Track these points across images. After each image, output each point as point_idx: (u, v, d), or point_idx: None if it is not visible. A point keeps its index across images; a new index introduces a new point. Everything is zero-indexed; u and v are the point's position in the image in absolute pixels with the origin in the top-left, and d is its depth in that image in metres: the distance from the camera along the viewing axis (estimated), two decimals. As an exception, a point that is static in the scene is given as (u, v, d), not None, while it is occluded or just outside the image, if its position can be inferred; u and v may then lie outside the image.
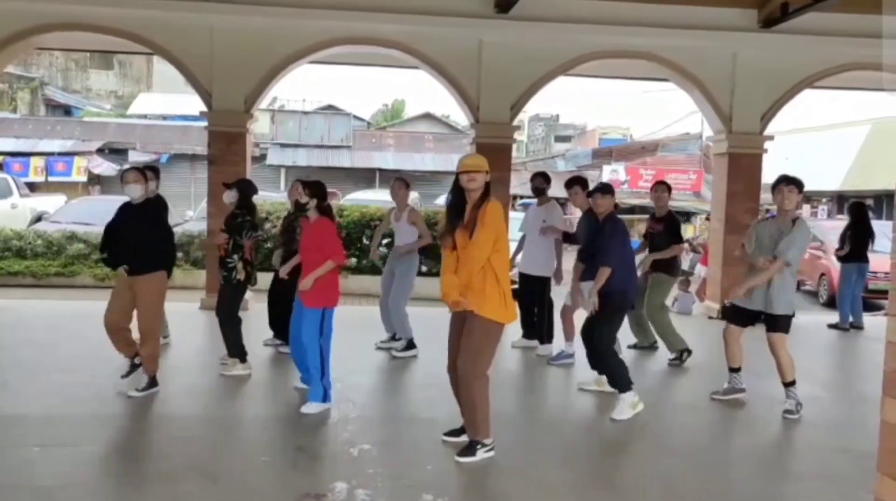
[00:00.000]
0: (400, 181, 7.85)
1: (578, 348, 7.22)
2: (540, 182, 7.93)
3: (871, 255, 10.19)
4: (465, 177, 4.70)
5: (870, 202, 11.40)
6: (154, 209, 6.17)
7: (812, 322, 11.30)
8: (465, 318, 4.73)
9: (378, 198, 16.58)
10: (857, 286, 10.19)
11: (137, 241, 5.89)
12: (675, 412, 6.30)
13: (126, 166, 6.34)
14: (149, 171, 6.48)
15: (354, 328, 8.44)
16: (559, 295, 7.73)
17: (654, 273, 7.72)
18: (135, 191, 5.91)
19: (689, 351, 7.65)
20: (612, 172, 29.95)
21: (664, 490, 4.48)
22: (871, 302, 10.46)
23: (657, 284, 7.76)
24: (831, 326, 10.14)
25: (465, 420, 4.92)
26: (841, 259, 10.30)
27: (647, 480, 4.65)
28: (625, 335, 7.34)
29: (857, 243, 10.08)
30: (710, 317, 10.44)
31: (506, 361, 7.71)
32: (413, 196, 12.21)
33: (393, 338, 7.80)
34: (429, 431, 5.35)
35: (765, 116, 10.49)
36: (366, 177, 27.89)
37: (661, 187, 8.03)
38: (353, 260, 12.43)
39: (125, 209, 6.10)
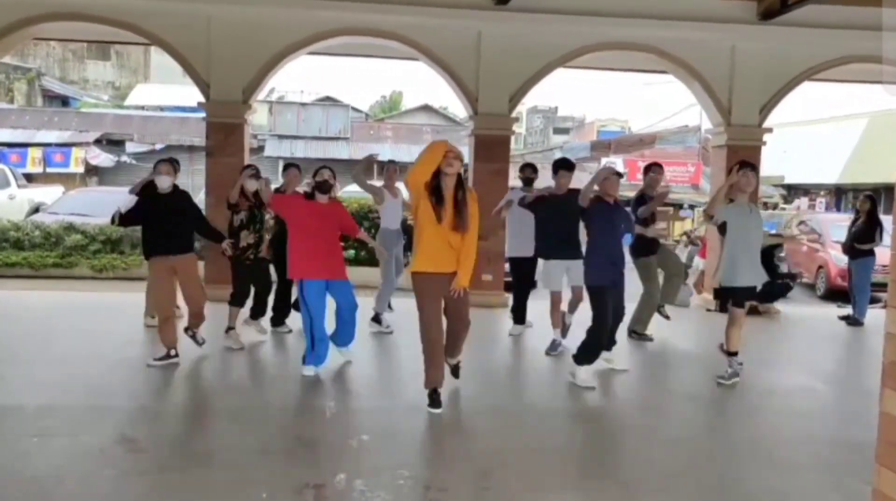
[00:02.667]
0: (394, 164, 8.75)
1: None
2: (530, 172, 8.26)
3: (876, 249, 10.12)
4: (447, 160, 5.18)
5: (869, 194, 11.28)
6: (183, 195, 6.79)
7: (812, 314, 11.32)
8: (446, 282, 5.37)
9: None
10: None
11: (179, 224, 6.59)
12: (671, 402, 6.31)
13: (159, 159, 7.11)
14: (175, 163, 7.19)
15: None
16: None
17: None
18: (165, 183, 6.56)
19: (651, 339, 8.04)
20: (610, 164, 29.92)
21: (661, 481, 4.49)
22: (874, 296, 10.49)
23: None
24: (843, 318, 10.11)
25: (453, 350, 5.77)
26: (861, 253, 10.05)
27: (644, 470, 4.66)
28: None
29: (872, 236, 9.99)
30: (708, 310, 10.45)
31: (501, 351, 7.72)
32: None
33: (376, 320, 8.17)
34: (428, 422, 5.36)
35: (764, 109, 10.48)
36: (363, 168, 27.81)
37: (657, 169, 8.19)
38: (352, 252, 12.42)
39: (157, 198, 6.63)
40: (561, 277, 7.29)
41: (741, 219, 6.40)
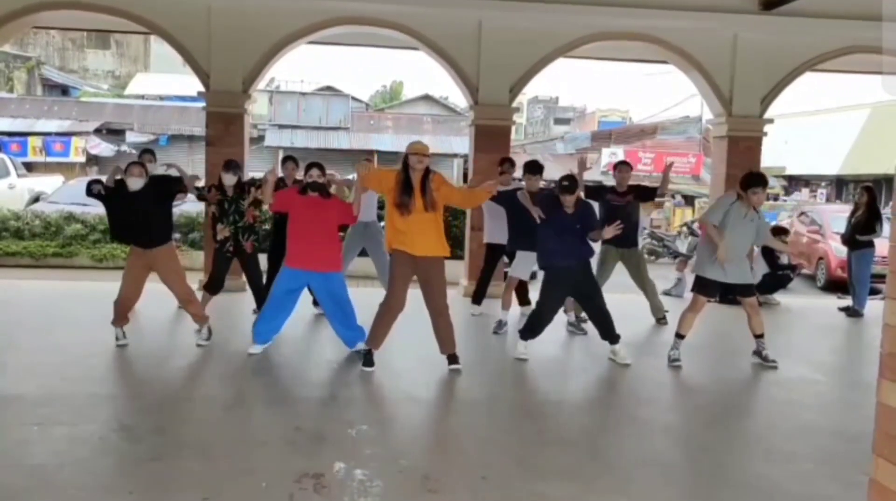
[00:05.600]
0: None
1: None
2: (508, 167, 8.40)
3: (876, 240, 10.06)
4: (415, 159, 6.02)
5: (867, 186, 11.19)
6: (154, 188, 6.71)
7: (812, 305, 11.32)
8: (417, 262, 6.02)
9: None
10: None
11: (150, 219, 6.60)
12: (669, 393, 6.33)
13: (129, 162, 6.96)
14: (146, 155, 7.39)
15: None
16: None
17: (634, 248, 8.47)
18: (136, 184, 6.52)
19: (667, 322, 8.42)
20: (610, 155, 29.84)
21: (659, 471, 4.50)
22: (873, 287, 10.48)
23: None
24: (842, 310, 10.07)
25: (447, 341, 6.24)
26: (861, 244, 9.95)
27: (641, 461, 4.67)
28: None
29: (873, 228, 9.93)
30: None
31: (497, 343, 7.72)
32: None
33: None
34: (426, 411, 5.37)
35: (765, 99, 10.44)
36: (364, 159, 27.78)
37: (623, 167, 8.56)
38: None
39: (126, 194, 6.63)
40: (530, 268, 7.81)
41: (732, 221, 6.62)
